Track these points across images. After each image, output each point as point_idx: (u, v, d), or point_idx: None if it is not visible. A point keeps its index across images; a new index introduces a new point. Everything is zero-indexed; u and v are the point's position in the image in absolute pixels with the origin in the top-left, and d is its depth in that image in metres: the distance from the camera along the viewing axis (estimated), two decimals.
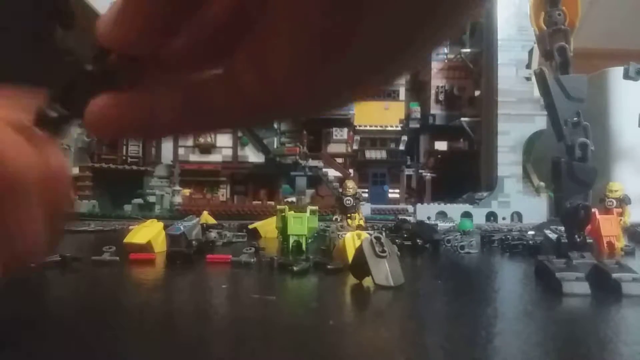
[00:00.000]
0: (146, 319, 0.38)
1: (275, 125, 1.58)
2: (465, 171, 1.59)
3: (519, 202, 1.38)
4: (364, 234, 0.57)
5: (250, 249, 0.65)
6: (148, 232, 0.65)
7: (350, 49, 0.17)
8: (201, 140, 1.56)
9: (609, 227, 0.77)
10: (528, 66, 1.40)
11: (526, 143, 1.41)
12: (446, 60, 1.63)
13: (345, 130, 1.58)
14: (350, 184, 0.81)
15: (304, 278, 0.54)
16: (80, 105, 0.21)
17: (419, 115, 1.65)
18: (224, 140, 1.58)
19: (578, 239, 0.54)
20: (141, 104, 0.20)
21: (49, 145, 0.21)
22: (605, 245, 0.76)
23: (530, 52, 1.40)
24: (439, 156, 1.65)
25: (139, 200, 1.50)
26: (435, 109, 1.64)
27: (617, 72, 1.28)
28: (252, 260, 0.61)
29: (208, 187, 1.60)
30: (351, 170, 1.60)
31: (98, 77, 0.21)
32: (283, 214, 0.75)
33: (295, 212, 0.75)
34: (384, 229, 0.90)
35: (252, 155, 1.58)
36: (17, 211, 0.19)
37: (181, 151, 1.60)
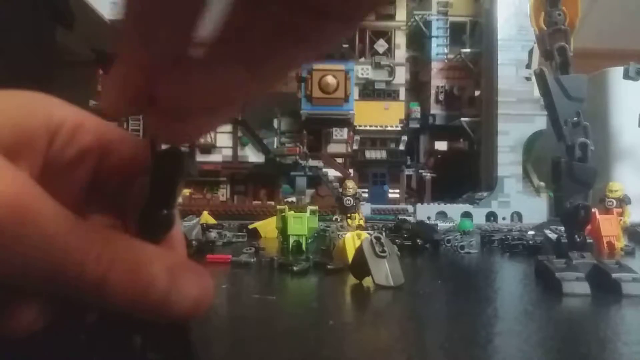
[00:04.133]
0: None
1: (276, 125, 1.58)
2: (465, 171, 1.59)
3: (519, 202, 1.38)
4: (364, 234, 0.57)
5: (250, 249, 0.65)
6: None
7: None
8: (201, 140, 1.55)
9: (609, 227, 0.77)
10: (528, 66, 1.40)
11: (526, 143, 1.41)
12: (446, 60, 1.62)
13: (345, 130, 1.58)
14: (350, 184, 0.81)
15: (304, 278, 0.54)
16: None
17: (419, 115, 1.64)
18: (224, 140, 1.57)
19: (578, 239, 0.54)
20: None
21: None
22: (605, 245, 0.76)
23: (530, 52, 1.39)
24: (439, 156, 1.65)
25: None
26: (435, 109, 1.63)
27: (617, 72, 1.28)
28: (252, 260, 0.61)
29: (208, 187, 1.60)
30: (351, 170, 1.60)
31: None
32: (283, 214, 0.75)
33: (295, 212, 0.75)
34: (384, 229, 0.90)
35: (252, 155, 1.58)
36: None
37: None
